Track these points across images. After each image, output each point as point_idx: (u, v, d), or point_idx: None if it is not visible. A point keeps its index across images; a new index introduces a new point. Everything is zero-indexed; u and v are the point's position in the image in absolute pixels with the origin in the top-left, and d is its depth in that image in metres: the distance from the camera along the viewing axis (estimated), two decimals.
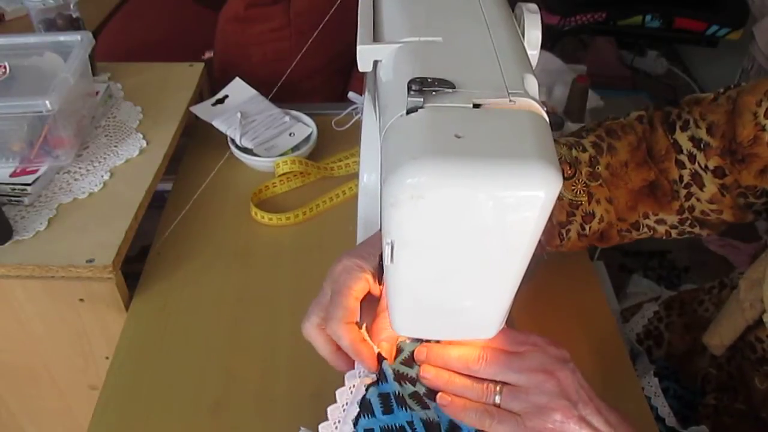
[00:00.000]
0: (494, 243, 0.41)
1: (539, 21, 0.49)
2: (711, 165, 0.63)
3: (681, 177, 0.64)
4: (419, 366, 0.52)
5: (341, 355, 0.53)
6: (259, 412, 0.64)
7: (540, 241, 0.66)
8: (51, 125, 0.79)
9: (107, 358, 0.73)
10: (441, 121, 0.38)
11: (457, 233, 0.40)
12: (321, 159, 0.95)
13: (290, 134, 0.95)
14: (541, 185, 0.37)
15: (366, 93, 0.61)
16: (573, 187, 0.65)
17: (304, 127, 0.97)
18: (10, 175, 0.79)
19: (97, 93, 0.92)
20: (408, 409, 0.51)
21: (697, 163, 0.63)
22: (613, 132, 0.67)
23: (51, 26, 0.93)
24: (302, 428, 0.57)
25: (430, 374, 0.51)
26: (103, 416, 0.64)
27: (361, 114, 0.65)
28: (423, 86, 0.39)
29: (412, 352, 0.54)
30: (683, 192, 0.65)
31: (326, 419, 0.53)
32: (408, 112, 0.39)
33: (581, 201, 0.65)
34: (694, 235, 0.69)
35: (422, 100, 0.39)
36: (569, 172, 0.65)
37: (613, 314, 0.75)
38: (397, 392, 0.52)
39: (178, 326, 0.72)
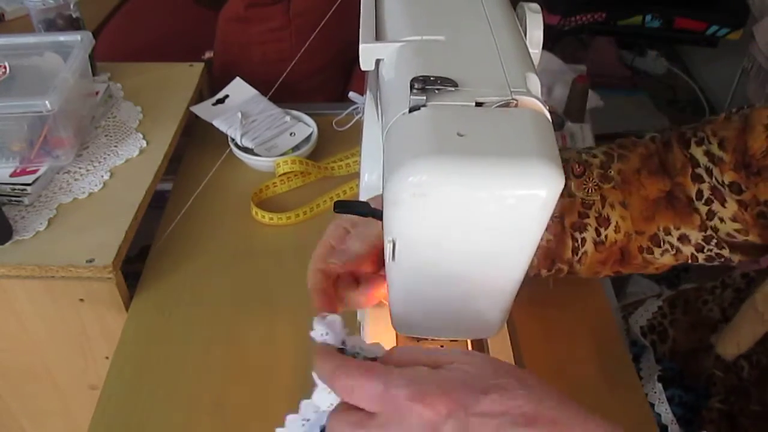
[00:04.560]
0: (496, 242, 0.41)
1: (541, 20, 0.49)
2: (726, 180, 0.61)
3: (700, 192, 0.62)
4: None
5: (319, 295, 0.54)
6: (259, 412, 0.64)
7: (539, 266, 0.65)
8: (51, 125, 0.79)
9: (107, 358, 0.73)
10: (443, 119, 0.38)
11: (459, 232, 0.40)
12: (321, 159, 0.95)
13: (291, 134, 0.95)
14: (543, 184, 0.37)
15: (367, 92, 0.61)
16: (584, 185, 0.63)
17: (305, 126, 0.97)
18: (10, 175, 0.78)
19: (97, 93, 0.92)
20: None
21: (714, 178, 0.62)
22: (623, 145, 0.66)
23: (51, 26, 0.93)
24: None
25: None
26: (103, 416, 0.64)
27: (362, 114, 0.65)
28: (425, 84, 0.39)
29: None
30: (704, 209, 0.62)
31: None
32: (410, 111, 0.39)
33: (594, 199, 0.63)
34: (725, 261, 0.65)
35: (425, 98, 0.39)
36: (579, 170, 0.64)
37: (614, 315, 0.75)
38: None
39: (178, 326, 0.72)
